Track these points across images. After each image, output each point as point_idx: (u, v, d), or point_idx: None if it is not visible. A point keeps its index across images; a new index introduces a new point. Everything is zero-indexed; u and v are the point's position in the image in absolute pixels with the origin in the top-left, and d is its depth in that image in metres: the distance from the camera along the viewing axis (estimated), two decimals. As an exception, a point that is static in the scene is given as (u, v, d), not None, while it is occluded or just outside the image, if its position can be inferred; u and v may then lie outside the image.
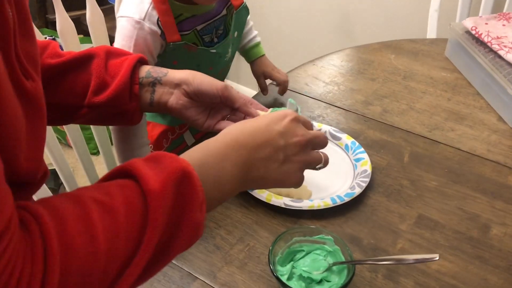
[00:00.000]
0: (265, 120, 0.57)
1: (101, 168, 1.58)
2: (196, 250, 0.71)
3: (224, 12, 0.89)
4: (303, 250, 0.68)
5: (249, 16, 1.02)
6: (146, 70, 0.71)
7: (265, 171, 0.55)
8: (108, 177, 0.48)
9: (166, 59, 0.87)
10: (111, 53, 0.70)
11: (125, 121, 0.72)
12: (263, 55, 1.07)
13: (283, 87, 1.04)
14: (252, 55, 1.07)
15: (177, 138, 1.06)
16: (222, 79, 1.04)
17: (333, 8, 1.98)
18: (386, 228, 0.76)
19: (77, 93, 0.69)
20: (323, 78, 1.16)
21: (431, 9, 1.54)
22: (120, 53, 0.71)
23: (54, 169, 1.07)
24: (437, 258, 0.57)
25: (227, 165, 0.52)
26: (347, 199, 0.78)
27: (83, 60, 0.69)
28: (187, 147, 1.09)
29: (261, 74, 1.06)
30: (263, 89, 1.04)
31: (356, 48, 1.30)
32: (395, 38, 1.35)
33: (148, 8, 0.80)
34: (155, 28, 0.80)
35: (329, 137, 0.93)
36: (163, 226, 0.44)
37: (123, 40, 0.82)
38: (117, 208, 0.42)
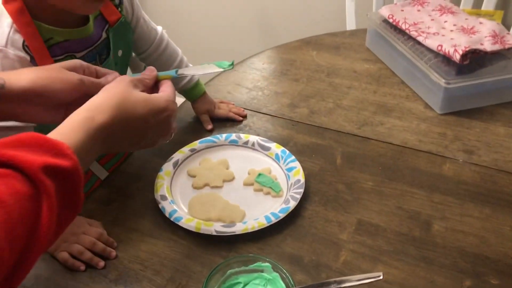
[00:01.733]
0: (144, 110, 0.56)
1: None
2: (121, 299, 0.63)
3: (104, 35, 0.79)
4: (240, 282, 0.62)
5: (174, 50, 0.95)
6: None
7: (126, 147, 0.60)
8: None
9: None
10: None
11: None
12: (204, 92, 0.99)
13: (233, 117, 0.98)
14: (194, 95, 0.98)
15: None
16: None
17: (248, 7, 1.93)
18: (326, 240, 0.71)
19: None
20: (245, 84, 1.10)
21: (347, 0, 1.53)
22: None
23: None
24: (381, 278, 0.53)
25: (96, 148, 0.52)
26: (282, 215, 0.72)
27: None
28: (95, 177, 0.98)
29: (205, 112, 0.98)
30: (208, 124, 0.96)
31: (277, 48, 1.25)
32: (315, 33, 1.31)
33: (9, 32, 0.68)
34: (22, 53, 0.69)
35: (257, 148, 0.87)
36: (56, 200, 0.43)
37: None
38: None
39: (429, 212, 0.75)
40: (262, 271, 0.62)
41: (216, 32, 2.08)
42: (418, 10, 1.17)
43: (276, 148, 0.86)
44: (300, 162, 0.83)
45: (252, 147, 0.88)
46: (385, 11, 1.16)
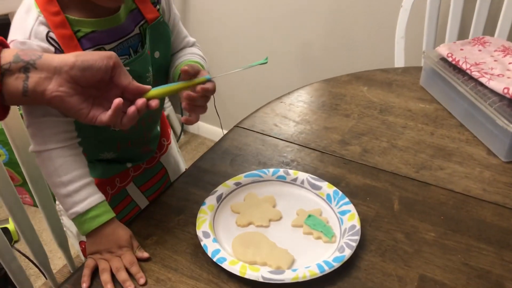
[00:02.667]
0: None
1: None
2: None
3: (137, 30, 0.76)
4: None
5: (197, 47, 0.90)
6: (13, 54, 0.60)
7: None
8: None
9: None
10: None
11: None
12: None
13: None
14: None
15: (118, 192, 0.91)
16: (160, 108, 0.91)
17: (293, 41, 1.90)
18: (385, 297, 0.63)
19: None
20: (293, 117, 1.04)
21: (397, 36, 1.47)
22: None
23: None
24: None
25: None
26: (336, 265, 0.65)
27: None
28: (134, 204, 0.93)
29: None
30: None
31: (325, 82, 1.20)
32: (361, 69, 1.26)
33: (33, 25, 0.67)
34: (45, 44, 0.67)
35: (307, 186, 0.81)
36: None
37: None
38: None
39: (500, 272, 0.67)
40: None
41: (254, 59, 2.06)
42: (479, 50, 1.10)
43: (327, 188, 0.80)
44: (354, 205, 0.76)
45: (301, 185, 0.82)
46: (443, 49, 1.10)
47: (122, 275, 0.65)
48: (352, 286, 0.65)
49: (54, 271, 1.12)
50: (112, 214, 0.70)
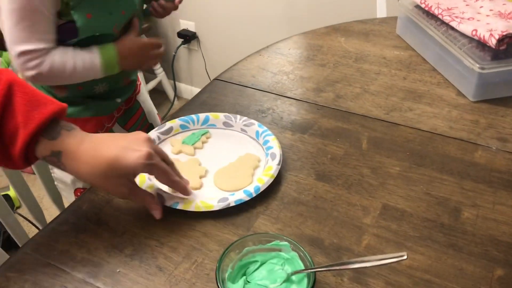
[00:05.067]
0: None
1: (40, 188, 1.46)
2: (136, 274, 0.61)
3: None
4: (257, 261, 0.60)
5: None
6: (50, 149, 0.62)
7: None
8: None
9: (78, 15, 0.80)
10: (9, 102, 0.60)
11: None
12: None
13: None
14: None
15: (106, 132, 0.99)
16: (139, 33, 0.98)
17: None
18: (349, 224, 0.68)
19: None
20: (270, 69, 1.08)
21: (378, -12, 1.49)
22: (19, 104, 0.60)
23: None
24: (405, 258, 0.50)
25: None
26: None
27: None
28: None
29: None
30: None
31: (304, 34, 1.22)
32: (343, 21, 1.28)
33: None
34: None
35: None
36: None
37: (10, 4, 0.75)
38: None
39: (459, 199, 0.72)
40: (280, 250, 0.59)
41: (243, 20, 2.07)
42: (452, -4, 1.12)
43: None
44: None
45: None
46: (417, -3, 1.12)
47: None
48: (318, 216, 0.69)
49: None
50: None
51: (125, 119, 1.03)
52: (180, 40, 2.40)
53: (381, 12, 1.48)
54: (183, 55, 2.51)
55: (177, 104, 2.60)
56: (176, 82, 2.63)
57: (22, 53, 0.77)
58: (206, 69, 2.44)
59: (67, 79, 0.83)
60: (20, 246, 1.09)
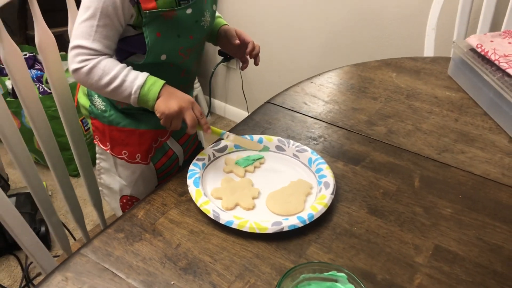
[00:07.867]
0: None
1: (82, 191, 1.50)
2: (190, 288, 0.62)
3: None
4: (312, 289, 0.60)
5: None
6: None
7: None
8: None
9: (149, 32, 0.82)
10: None
11: None
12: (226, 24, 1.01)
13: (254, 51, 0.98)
14: (216, 25, 1.00)
15: (160, 146, 0.99)
16: (199, 59, 0.99)
17: (322, 26, 1.93)
18: (401, 261, 0.68)
19: None
20: (322, 97, 1.09)
21: (428, 27, 1.50)
22: None
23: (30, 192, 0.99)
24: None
25: None
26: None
27: None
28: (175, 156, 1.01)
29: (233, 32, 0.98)
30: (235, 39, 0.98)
31: (355, 66, 1.24)
32: (388, 56, 1.29)
33: None
34: None
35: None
36: None
37: (90, 1, 0.78)
38: None
39: (512, 248, 0.71)
40: (336, 280, 0.60)
41: (283, 45, 2.10)
42: (509, 43, 1.12)
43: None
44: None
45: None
46: (473, 40, 1.13)
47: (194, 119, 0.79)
48: (371, 250, 0.69)
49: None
50: (163, 81, 0.81)
51: (179, 133, 1.04)
52: (220, 58, 2.44)
53: (429, 51, 1.49)
54: (221, 73, 2.55)
55: (209, 119, 2.63)
56: (211, 98, 2.67)
57: (77, 46, 0.80)
58: (242, 88, 2.47)
59: (100, 89, 0.82)
60: (59, 245, 1.11)
